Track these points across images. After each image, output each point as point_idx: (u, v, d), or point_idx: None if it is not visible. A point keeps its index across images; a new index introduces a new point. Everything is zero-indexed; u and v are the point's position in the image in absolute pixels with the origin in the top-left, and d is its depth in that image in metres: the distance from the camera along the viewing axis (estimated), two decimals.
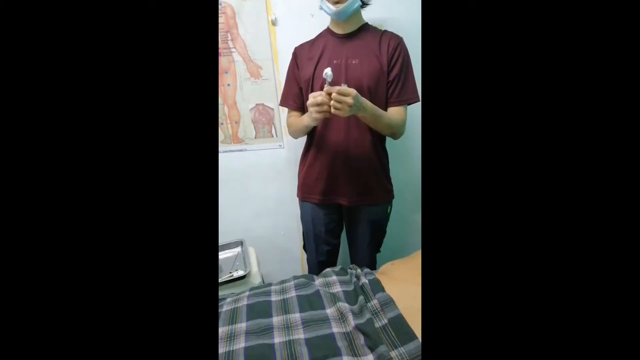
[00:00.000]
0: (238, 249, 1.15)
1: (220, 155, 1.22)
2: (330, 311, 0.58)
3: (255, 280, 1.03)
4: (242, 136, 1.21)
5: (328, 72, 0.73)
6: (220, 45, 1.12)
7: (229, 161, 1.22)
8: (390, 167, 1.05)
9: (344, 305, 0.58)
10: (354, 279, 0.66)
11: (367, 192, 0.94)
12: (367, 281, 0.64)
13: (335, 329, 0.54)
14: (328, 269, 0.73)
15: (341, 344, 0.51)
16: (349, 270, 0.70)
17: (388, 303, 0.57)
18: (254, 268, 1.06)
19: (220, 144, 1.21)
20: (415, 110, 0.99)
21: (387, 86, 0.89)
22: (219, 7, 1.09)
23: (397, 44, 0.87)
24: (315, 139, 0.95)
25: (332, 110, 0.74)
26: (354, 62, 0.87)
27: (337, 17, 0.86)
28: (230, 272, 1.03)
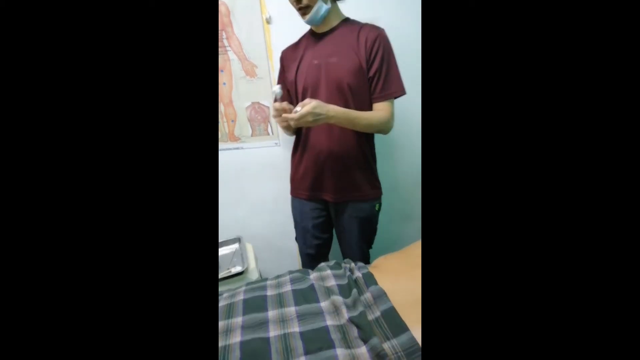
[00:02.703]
0: (236, 246, 1.17)
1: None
2: (324, 304, 0.59)
3: (253, 276, 1.04)
4: (238, 134, 1.22)
5: (276, 89, 0.77)
6: None
7: (226, 159, 1.23)
8: (387, 161, 1.05)
9: (337, 299, 0.59)
10: (348, 273, 0.67)
11: (352, 189, 0.94)
12: (360, 275, 0.65)
13: (330, 321, 0.55)
14: (323, 264, 0.75)
15: (335, 336, 0.53)
16: (343, 265, 0.72)
17: (380, 296, 0.59)
18: (252, 264, 1.07)
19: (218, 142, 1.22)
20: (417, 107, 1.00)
21: (369, 82, 0.87)
22: None
23: (375, 36, 0.84)
24: (302, 136, 0.97)
25: (293, 123, 0.78)
26: (333, 60, 0.87)
27: (309, 24, 0.89)
28: (228, 269, 1.04)
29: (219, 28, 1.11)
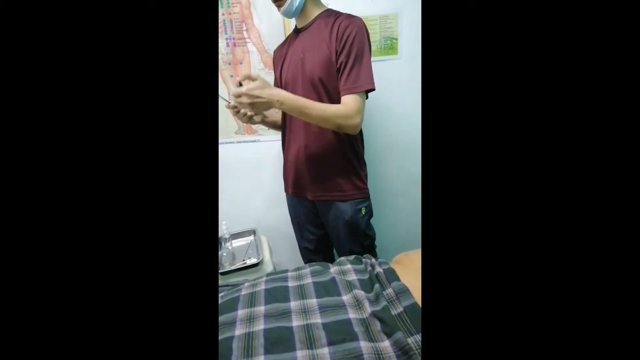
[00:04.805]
0: (251, 238, 1.18)
1: (234, 145, 1.23)
2: (346, 298, 0.59)
3: (268, 268, 1.05)
4: (256, 127, 1.22)
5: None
6: (235, 35, 1.13)
7: (242, 151, 1.23)
8: (397, 162, 1.01)
9: (359, 293, 0.59)
10: (369, 268, 0.67)
11: (330, 188, 0.91)
12: (381, 270, 0.65)
13: (352, 314, 0.55)
14: (342, 258, 0.74)
15: (358, 329, 0.53)
16: (363, 260, 0.72)
17: (403, 292, 0.58)
18: (267, 256, 1.08)
19: (234, 135, 1.23)
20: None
21: (337, 73, 0.81)
22: None
23: (346, 26, 0.78)
24: (285, 133, 0.96)
25: (239, 107, 0.76)
26: (308, 54, 0.84)
27: (285, 16, 0.87)
28: (244, 260, 1.06)
29: (240, 20, 1.11)
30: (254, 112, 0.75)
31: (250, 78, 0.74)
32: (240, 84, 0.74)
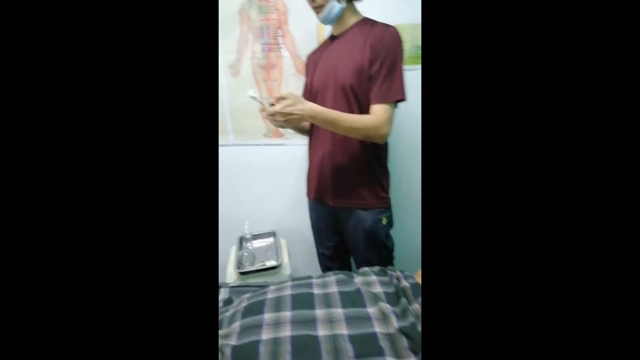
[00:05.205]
0: (271, 239, 1.19)
1: (261, 148, 1.25)
2: (371, 310, 0.59)
3: (286, 271, 1.05)
4: (283, 130, 1.24)
5: (250, 93, 0.77)
6: (270, 40, 1.15)
7: (269, 154, 1.25)
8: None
9: (386, 306, 0.59)
10: (395, 281, 0.67)
11: (352, 196, 0.91)
12: (408, 285, 0.65)
13: (378, 328, 0.55)
14: (366, 269, 0.74)
15: (384, 344, 0.52)
16: (388, 272, 0.71)
17: None
18: (285, 259, 1.09)
19: (262, 137, 1.25)
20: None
21: (369, 82, 0.82)
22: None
23: (381, 35, 0.80)
24: (312, 138, 0.97)
25: (272, 123, 0.79)
26: (341, 62, 0.85)
27: (323, 23, 0.88)
28: (263, 262, 1.07)
29: (276, 26, 1.13)
30: (289, 126, 0.78)
31: (281, 98, 0.75)
32: (273, 105, 0.76)
